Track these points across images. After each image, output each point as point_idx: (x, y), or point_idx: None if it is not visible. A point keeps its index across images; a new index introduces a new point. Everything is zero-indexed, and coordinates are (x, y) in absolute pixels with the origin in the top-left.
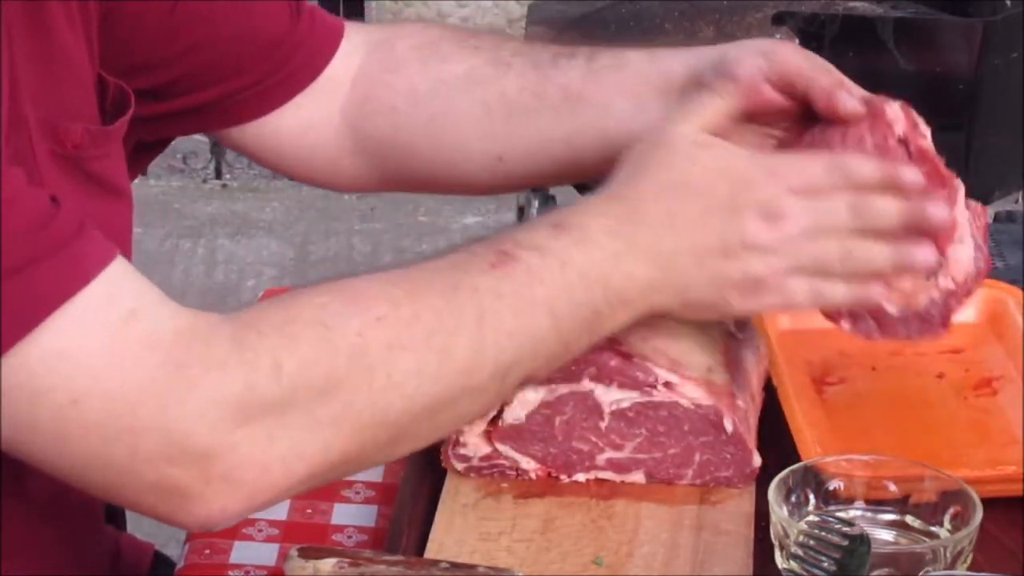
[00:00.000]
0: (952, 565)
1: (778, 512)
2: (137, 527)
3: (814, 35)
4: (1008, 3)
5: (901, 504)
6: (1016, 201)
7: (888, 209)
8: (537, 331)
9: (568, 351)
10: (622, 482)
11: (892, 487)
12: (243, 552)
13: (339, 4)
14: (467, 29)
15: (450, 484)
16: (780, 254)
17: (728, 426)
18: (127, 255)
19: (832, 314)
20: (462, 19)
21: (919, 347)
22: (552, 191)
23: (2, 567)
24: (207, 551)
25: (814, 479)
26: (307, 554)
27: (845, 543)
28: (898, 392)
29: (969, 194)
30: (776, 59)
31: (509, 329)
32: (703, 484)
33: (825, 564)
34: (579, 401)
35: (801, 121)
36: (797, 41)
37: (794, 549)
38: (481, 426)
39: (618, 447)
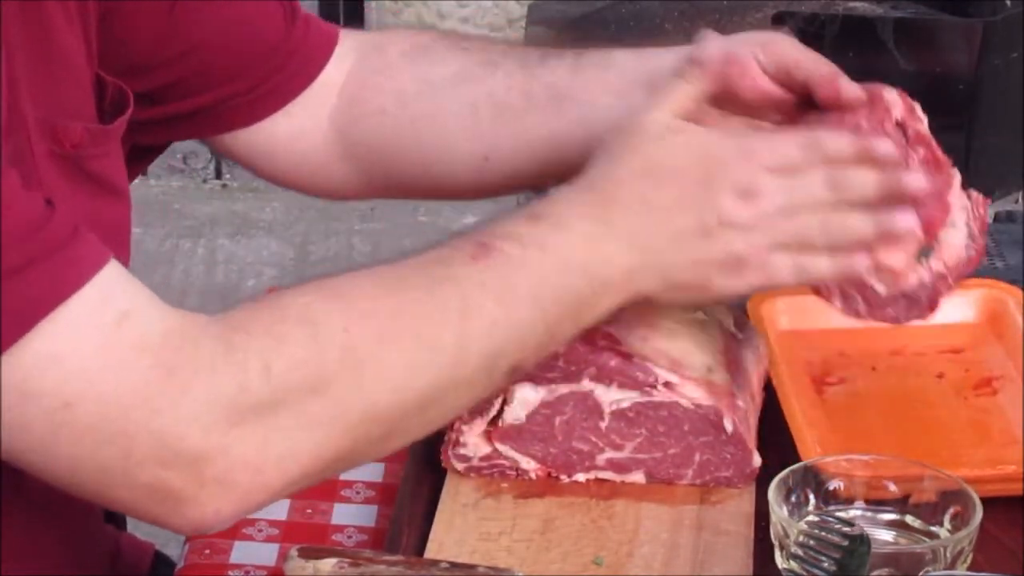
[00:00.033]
0: (952, 565)
1: (778, 512)
2: (137, 527)
3: (814, 35)
4: (1008, 3)
5: (901, 504)
6: (1016, 201)
7: (864, 181)
8: (521, 320)
9: (554, 340)
10: (622, 482)
11: (892, 487)
12: (243, 552)
13: (339, 4)
14: (459, 34)
15: (450, 484)
16: (759, 231)
17: (728, 426)
18: (126, 255)
19: (822, 291)
20: (462, 19)
21: (919, 347)
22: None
23: (2, 567)
24: (207, 551)
25: (814, 479)
26: (307, 554)
27: (845, 543)
28: (898, 392)
29: None
30: (773, 50)
31: (493, 319)
32: (703, 484)
33: (825, 564)
34: (579, 401)
35: (793, 114)
36: None
37: (794, 549)
38: (481, 426)
39: (618, 447)
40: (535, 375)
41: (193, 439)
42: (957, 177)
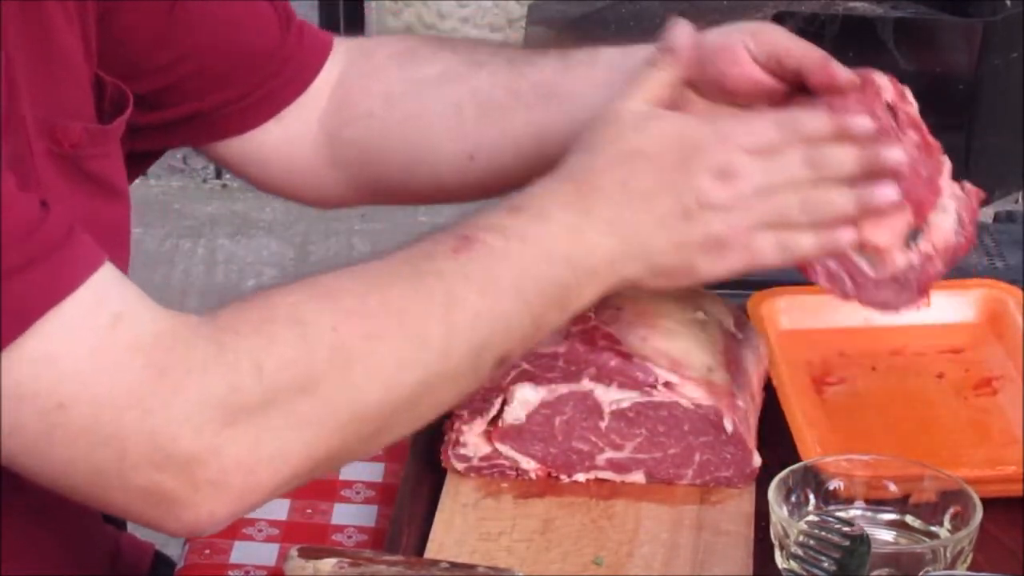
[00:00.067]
0: (952, 565)
1: (778, 512)
2: (137, 527)
3: (814, 35)
4: (1008, 3)
5: (901, 504)
6: (1016, 201)
7: (843, 157)
8: (506, 311)
9: (540, 330)
10: (622, 482)
11: (892, 487)
12: (243, 552)
13: (339, 4)
14: (448, 37)
15: (450, 484)
16: (739, 211)
17: (728, 426)
18: (126, 255)
19: (808, 270)
20: (462, 19)
21: (919, 347)
22: None
23: (1, 567)
24: (207, 551)
25: (814, 479)
26: (307, 554)
27: (845, 543)
28: (898, 392)
29: None
30: (763, 39)
31: (478, 310)
32: (703, 484)
33: (825, 564)
34: (579, 401)
35: (784, 103)
36: None
37: (794, 549)
38: (481, 426)
39: (618, 447)
40: (535, 375)
41: (186, 441)
42: (947, 164)
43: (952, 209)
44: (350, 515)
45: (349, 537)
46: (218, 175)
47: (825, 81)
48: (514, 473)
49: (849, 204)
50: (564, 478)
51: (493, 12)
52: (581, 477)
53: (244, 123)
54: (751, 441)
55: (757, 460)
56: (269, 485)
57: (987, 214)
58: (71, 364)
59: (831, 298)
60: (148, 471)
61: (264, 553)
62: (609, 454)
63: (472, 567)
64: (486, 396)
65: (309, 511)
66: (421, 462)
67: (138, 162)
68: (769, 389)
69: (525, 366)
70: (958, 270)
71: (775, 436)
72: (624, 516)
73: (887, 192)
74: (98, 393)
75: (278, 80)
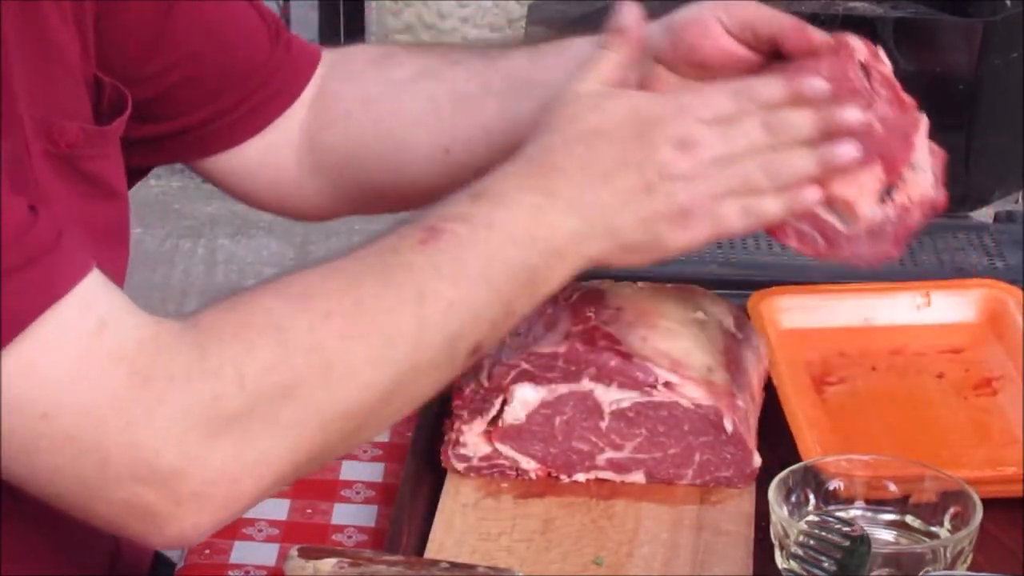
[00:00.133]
0: (952, 565)
1: (778, 512)
2: None
3: None
4: (1008, 3)
5: (901, 504)
6: (1016, 201)
7: (800, 120)
8: (477, 299)
9: (512, 316)
10: (622, 482)
11: (892, 487)
12: (243, 552)
13: (339, 5)
14: (425, 44)
15: (450, 484)
16: (700, 180)
17: (728, 426)
18: (125, 255)
19: (778, 233)
20: (462, 19)
21: (919, 347)
22: None
23: (1, 568)
24: (207, 551)
25: (814, 479)
26: (307, 554)
27: (845, 543)
28: (898, 392)
29: (969, 194)
30: (735, 12)
31: (450, 301)
32: (703, 484)
33: (825, 564)
34: (579, 401)
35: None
36: None
37: (794, 549)
38: (481, 426)
39: (618, 447)
40: (535, 375)
41: (169, 454)
42: (925, 122)
43: (928, 168)
44: (350, 515)
45: (349, 537)
46: None
47: (801, 45)
48: (514, 473)
49: (810, 164)
50: (564, 478)
51: (493, 12)
52: (581, 477)
53: (232, 137)
54: (751, 441)
55: (757, 460)
56: (253, 492)
57: (987, 214)
58: (55, 373)
59: (831, 298)
60: (130, 484)
61: (264, 553)
62: (609, 454)
63: (472, 567)
64: (486, 396)
65: (309, 511)
66: (421, 462)
67: (128, 177)
68: (769, 389)
69: (525, 366)
70: (958, 270)
71: (775, 436)
72: (624, 516)
73: (847, 149)
74: (81, 402)
75: (266, 92)
